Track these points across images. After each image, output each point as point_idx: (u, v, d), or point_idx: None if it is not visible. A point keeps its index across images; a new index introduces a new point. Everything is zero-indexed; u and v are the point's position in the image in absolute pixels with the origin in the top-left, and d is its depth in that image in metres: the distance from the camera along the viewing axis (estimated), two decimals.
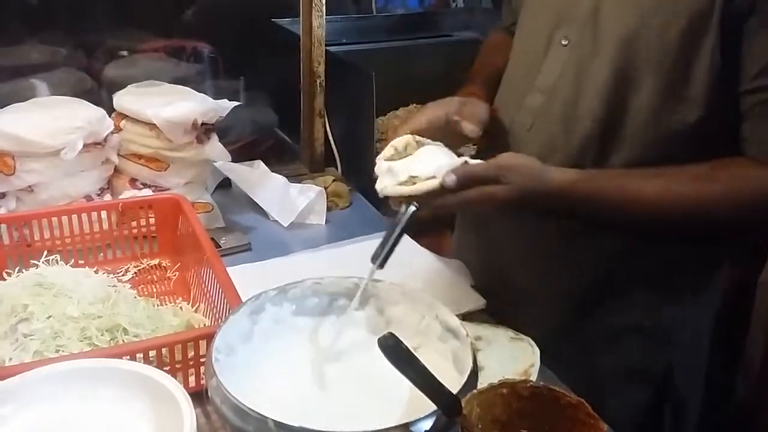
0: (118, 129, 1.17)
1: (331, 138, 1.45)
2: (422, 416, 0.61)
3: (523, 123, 0.98)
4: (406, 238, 1.17)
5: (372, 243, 1.15)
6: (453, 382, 0.64)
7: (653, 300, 0.97)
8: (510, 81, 1.04)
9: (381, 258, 0.79)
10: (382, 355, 0.60)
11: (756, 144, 0.83)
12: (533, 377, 0.82)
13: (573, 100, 0.91)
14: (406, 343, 0.61)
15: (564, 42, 0.92)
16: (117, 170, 1.19)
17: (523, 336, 0.90)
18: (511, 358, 0.85)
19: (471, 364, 0.68)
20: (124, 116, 1.18)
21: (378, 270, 0.79)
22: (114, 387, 0.68)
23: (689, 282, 0.98)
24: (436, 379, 0.61)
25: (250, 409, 0.61)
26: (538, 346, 0.87)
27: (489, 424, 0.64)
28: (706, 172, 0.84)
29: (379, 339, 0.61)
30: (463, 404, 0.61)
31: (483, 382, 0.67)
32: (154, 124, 1.13)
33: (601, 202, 0.86)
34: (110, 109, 1.19)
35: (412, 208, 0.80)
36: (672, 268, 0.96)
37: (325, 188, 1.28)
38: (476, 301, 1.00)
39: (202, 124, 1.16)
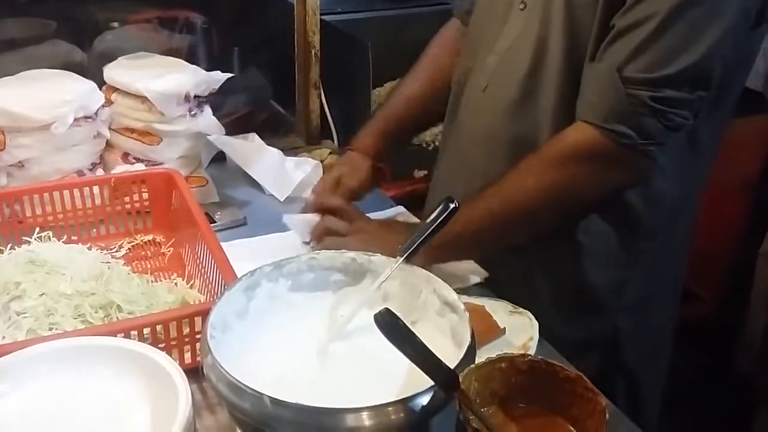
0: (109, 102, 1.15)
1: (326, 110, 1.43)
2: (419, 391, 0.60)
3: (479, 84, 0.99)
4: (405, 213, 1.17)
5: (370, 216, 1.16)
6: (451, 357, 0.63)
7: (591, 267, 0.98)
8: (471, 45, 1.04)
9: (409, 251, 0.77)
10: (379, 330, 0.60)
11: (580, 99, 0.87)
12: (532, 351, 0.82)
13: (528, 63, 0.92)
14: (403, 318, 0.61)
15: (521, 6, 0.94)
16: (109, 145, 1.17)
17: (522, 309, 0.89)
18: (510, 331, 0.84)
19: (469, 339, 0.67)
20: (115, 89, 1.15)
21: (404, 263, 0.77)
22: (108, 365, 0.67)
23: (615, 250, 0.97)
24: (433, 354, 0.60)
25: (245, 385, 0.61)
26: (537, 320, 0.87)
27: (487, 398, 0.64)
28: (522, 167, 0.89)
29: (375, 315, 0.60)
30: (461, 379, 0.60)
31: (481, 357, 0.66)
32: (146, 97, 1.11)
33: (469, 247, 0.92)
34: (101, 82, 1.17)
35: (452, 205, 0.79)
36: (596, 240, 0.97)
37: (322, 161, 1.27)
38: (476, 275, 0.99)
39: (195, 96, 1.14)
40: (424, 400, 0.60)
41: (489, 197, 0.90)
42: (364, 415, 0.59)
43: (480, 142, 1.00)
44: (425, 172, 1.63)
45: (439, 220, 0.80)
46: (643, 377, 1.04)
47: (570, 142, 0.87)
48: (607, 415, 0.58)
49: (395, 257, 0.77)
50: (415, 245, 0.79)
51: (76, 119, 1.07)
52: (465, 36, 1.09)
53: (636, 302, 1.00)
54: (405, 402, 0.60)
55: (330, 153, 1.34)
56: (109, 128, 1.15)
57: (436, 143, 1.75)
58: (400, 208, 1.20)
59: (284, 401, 0.59)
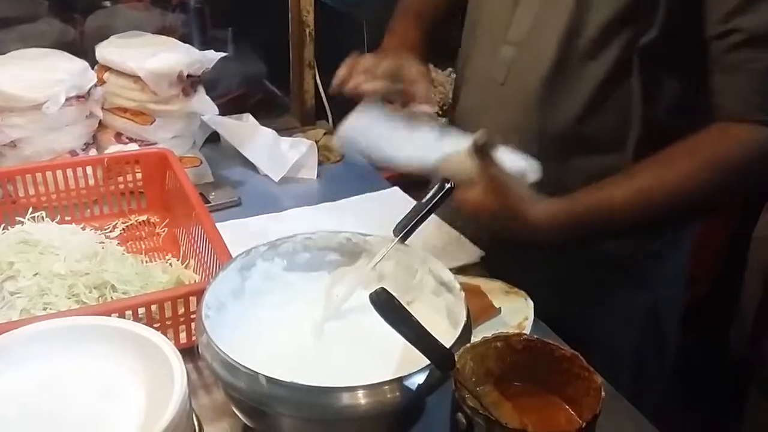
0: (101, 82, 1.14)
1: (321, 90, 1.42)
2: (415, 370, 0.61)
3: (494, 78, 0.95)
4: (400, 194, 1.17)
5: (364, 198, 1.16)
6: (446, 336, 0.63)
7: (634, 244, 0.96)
8: (482, 33, 0.99)
9: (405, 232, 0.77)
10: (374, 309, 0.59)
11: (729, 99, 0.80)
12: (527, 330, 0.82)
13: (554, 52, 0.87)
14: (399, 298, 0.60)
15: None
16: (102, 124, 1.16)
17: (518, 289, 0.89)
18: (506, 311, 0.84)
19: (465, 318, 0.67)
20: (108, 68, 1.14)
21: (399, 243, 0.77)
22: (103, 345, 0.66)
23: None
24: (428, 333, 0.60)
25: (240, 365, 0.61)
26: (533, 299, 0.87)
27: (482, 377, 0.64)
28: (686, 159, 0.80)
29: (370, 294, 0.60)
30: (456, 358, 0.60)
31: (477, 336, 0.66)
32: (139, 77, 1.10)
33: (596, 224, 0.82)
34: (93, 62, 1.15)
35: (448, 186, 0.78)
36: None
37: (316, 142, 1.26)
38: (472, 254, 0.99)
39: (188, 76, 1.13)
40: (420, 378, 0.61)
41: (650, 193, 0.81)
42: (360, 393, 0.59)
43: (503, 136, 0.94)
44: None
45: (435, 200, 0.80)
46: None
47: (751, 145, 0.79)
48: (602, 394, 0.58)
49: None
50: (410, 226, 0.79)
51: (68, 99, 1.06)
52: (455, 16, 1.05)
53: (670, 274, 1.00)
54: (401, 381, 0.60)
55: (325, 133, 1.33)
56: (102, 108, 1.14)
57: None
58: (396, 189, 1.20)
59: (280, 380, 0.59)
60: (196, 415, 0.67)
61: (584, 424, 0.57)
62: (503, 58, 0.93)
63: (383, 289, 0.60)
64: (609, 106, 0.88)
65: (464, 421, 0.57)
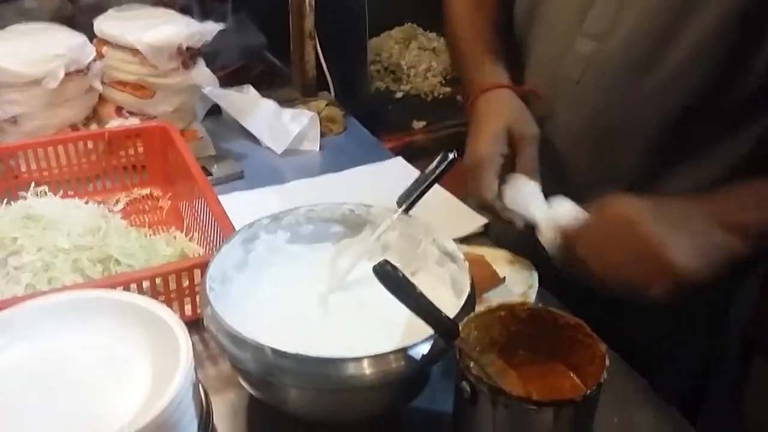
0: (100, 56, 1.12)
1: (322, 60, 1.40)
2: (419, 341, 0.61)
3: (568, 75, 0.84)
4: (403, 164, 1.16)
5: (367, 169, 1.15)
6: (451, 306, 0.63)
7: None
8: (545, 19, 0.87)
9: (408, 202, 0.76)
10: (378, 281, 0.59)
11: None
12: (531, 299, 0.82)
13: (634, 45, 0.77)
14: (402, 268, 0.60)
15: None
16: (102, 99, 1.15)
17: (523, 259, 0.89)
18: (510, 280, 0.84)
19: (469, 288, 0.67)
20: (106, 42, 1.13)
21: (402, 214, 0.76)
22: (108, 318, 0.67)
23: None
24: (432, 303, 0.60)
25: (246, 337, 0.61)
26: (537, 269, 0.86)
27: (487, 346, 0.64)
28: None
29: (374, 267, 0.60)
30: (460, 328, 0.60)
31: (481, 306, 0.66)
32: (138, 50, 1.08)
33: None
34: (91, 36, 1.14)
35: (451, 156, 0.77)
36: None
37: (319, 113, 1.25)
38: (476, 224, 0.99)
39: (188, 48, 1.11)
40: (424, 348, 0.61)
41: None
42: (365, 363, 0.59)
43: (576, 138, 0.86)
44: (424, 123, 1.61)
45: (438, 171, 0.79)
46: None
47: None
48: (607, 362, 0.58)
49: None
50: (414, 196, 0.78)
51: (67, 73, 1.05)
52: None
53: None
54: (405, 351, 0.60)
55: (327, 104, 1.32)
56: (102, 82, 1.13)
57: (435, 94, 1.73)
58: (399, 159, 1.19)
59: (285, 351, 0.60)
60: (203, 387, 0.68)
61: (589, 391, 0.57)
62: (578, 53, 0.82)
63: (386, 261, 0.60)
64: (710, 108, 0.77)
65: (468, 389, 0.57)
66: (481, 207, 0.83)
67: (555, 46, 0.86)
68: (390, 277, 0.59)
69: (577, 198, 0.77)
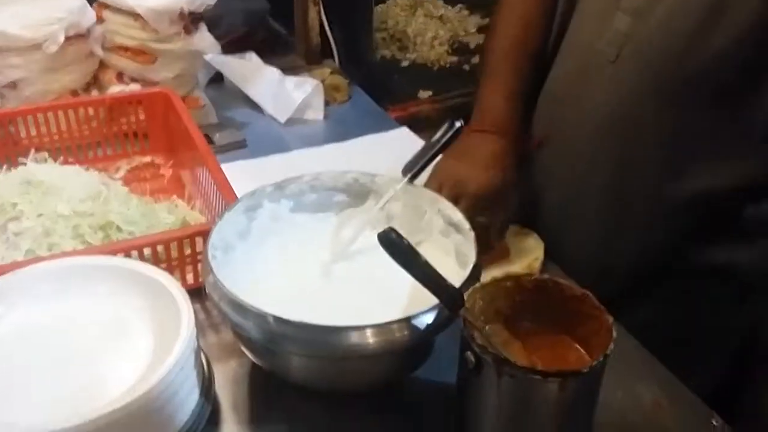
0: (100, 20, 1.10)
1: (327, 27, 1.38)
2: (424, 310, 0.60)
3: (606, 53, 0.80)
4: (409, 134, 1.15)
5: (372, 139, 1.14)
6: (455, 277, 0.62)
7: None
8: (590, 3, 0.84)
9: (414, 171, 0.75)
10: (383, 250, 0.58)
11: None
12: (537, 271, 0.81)
13: (674, 24, 0.74)
14: (407, 238, 0.59)
15: None
16: (102, 64, 1.13)
17: (529, 230, 0.88)
18: (516, 251, 0.83)
19: (474, 258, 0.66)
20: (106, 6, 1.10)
21: (407, 183, 0.75)
22: (109, 285, 0.66)
23: None
24: (437, 272, 0.59)
25: (248, 304, 0.60)
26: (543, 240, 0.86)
27: (492, 316, 0.63)
28: None
29: (379, 234, 0.59)
30: (465, 297, 0.59)
31: (486, 277, 0.65)
32: (139, 14, 1.06)
33: None
34: None
35: (458, 124, 0.76)
36: None
37: (323, 81, 1.23)
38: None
39: (190, 13, 1.09)
40: (429, 318, 0.60)
41: None
42: (368, 332, 0.59)
43: (601, 125, 0.83)
44: (430, 93, 1.59)
45: (444, 140, 0.78)
46: None
47: None
48: (614, 333, 0.57)
49: None
50: (419, 165, 0.77)
51: (67, 38, 1.03)
52: None
53: None
54: (409, 320, 0.59)
55: (331, 72, 1.29)
56: (102, 47, 1.11)
57: (442, 63, 1.70)
58: (404, 129, 1.17)
59: (288, 319, 0.59)
60: (205, 354, 0.68)
61: (595, 363, 0.56)
62: (615, 30, 0.78)
63: (392, 229, 0.59)
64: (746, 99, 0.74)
65: (473, 359, 0.57)
66: None
67: (592, 22, 0.83)
68: (395, 244, 0.58)
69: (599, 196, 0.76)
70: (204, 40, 1.13)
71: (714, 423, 0.68)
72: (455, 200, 0.76)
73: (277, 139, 1.15)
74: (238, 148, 1.11)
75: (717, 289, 0.84)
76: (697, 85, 0.76)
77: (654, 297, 0.86)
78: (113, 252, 0.71)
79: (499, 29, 0.93)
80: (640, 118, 0.80)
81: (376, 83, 1.42)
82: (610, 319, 0.59)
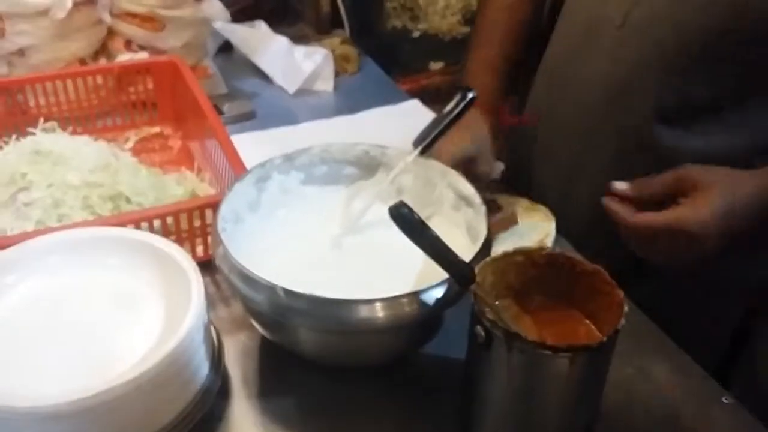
0: None
1: None
2: (434, 284, 0.60)
3: (610, 17, 0.78)
4: (420, 107, 1.13)
5: (383, 111, 1.12)
6: (466, 251, 0.62)
7: None
8: None
9: (425, 144, 0.74)
10: (393, 224, 0.58)
11: None
12: (549, 246, 0.81)
13: None
14: (418, 212, 0.59)
15: None
16: (111, 32, 1.12)
17: (540, 205, 0.87)
18: (527, 226, 0.83)
19: (485, 232, 0.66)
20: None
21: (418, 155, 0.74)
22: (120, 256, 0.66)
23: None
24: (448, 247, 0.58)
25: (258, 277, 0.60)
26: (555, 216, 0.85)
27: (502, 291, 0.63)
28: None
29: (390, 208, 0.58)
30: (476, 272, 0.59)
31: (497, 252, 0.64)
32: None
33: None
34: None
35: (470, 95, 0.74)
36: None
37: (332, 51, 1.21)
38: (493, 169, 0.96)
39: None
40: (439, 292, 0.60)
41: None
42: (378, 306, 0.59)
43: (603, 96, 0.81)
44: (441, 64, 1.57)
45: (456, 111, 0.77)
46: None
47: None
48: (625, 308, 0.57)
49: None
50: (431, 137, 0.76)
51: (75, 4, 1.02)
52: None
53: None
54: (419, 294, 0.59)
55: (341, 42, 1.28)
56: (111, 14, 1.10)
57: (453, 34, 1.67)
58: (416, 102, 1.16)
59: (298, 292, 0.59)
60: (215, 327, 0.68)
61: (605, 338, 0.56)
62: None
63: (402, 203, 0.58)
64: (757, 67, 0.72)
65: (483, 334, 0.56)
66: None
67: None
68: (405, 219, 0.58)
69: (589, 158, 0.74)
70: (213, 6, 1.12)
71: (724, 400, 0.67)
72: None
73: (286, 110, 1.14)
74: (248, 119, 1.10)
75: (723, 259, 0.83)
76: (700, 55, 0.75)
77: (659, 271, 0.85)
78: (123, 223, 0.71)
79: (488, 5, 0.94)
80: (642, 88, 0.79)
81: (387, 54, 1.40)
82: (621, 294, 0.59)
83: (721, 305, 0.89)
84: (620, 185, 0.71)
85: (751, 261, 0.84)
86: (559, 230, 0.84)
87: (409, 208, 0.58)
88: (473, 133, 0.84)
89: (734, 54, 0.74)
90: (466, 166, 0.79)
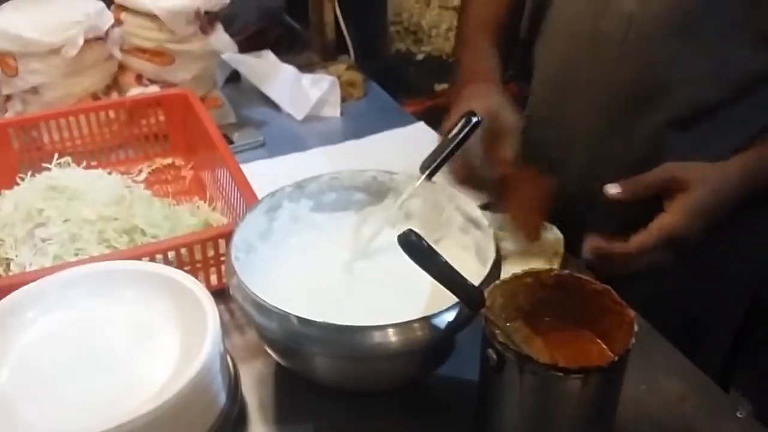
0: (118, 22, 1.12)
1: (342, 22, 1.38)
2: (445, 308, 0.60)
3: (611, 35, 0.80)
4: (425, 129, 1.14)
5: (389, 135, 1.14)
6: (475, 274, 0.63)
7: None
8: None
9: (431, 168, 0.75)
10: (402, 251, 0.59)
11: None
12: (557, 265, 0.81)
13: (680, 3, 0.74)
14: (426, 236, 0.60)
15: None
16: (122, 67, 1.14)
17: (547, 224, 0.87)
18: (535, 247, 0.83)
19: (494, 255, 0.66)
20: (124, 8, 1.12)
21: (426, 180, 0.75)
22: (136, 289, 0.68)
23: None
24: (457, 272, 0.59)
25: (272, 305, 0.61)
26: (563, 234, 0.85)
27: (513, 313, 0.63)
28: None
29: (398, 236, 0.59)
30: (485, 295, 0.60)
31: (506, 273, 0.65)
32: (156, 15, 1.07)
33: None
34: (109, 2, 1.13)
35: (475, 120, 0.75)
36: None
37: (338, 77, 1.23)
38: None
39: (206, 12, 1.10)
40: (450, 316, 0.61)
41: None
42: (390, 331, 0.59)
43: (622, 108, 0.84)
44: (445, 85, 1.59)
45: (461, 135, 0.77)
46: None
47: None
48: (635, 327, 0.57)
49: None
50: (437, 162, 0.77)
51: (86, 41, 1.04)
52: None
53: None
54: (430, 319, 0.60)
55: (347, 68, 1.30)
56: (121, 49, 1.12)
57: None
58: (421, 124, 1.17)
59: (311, 320, 0.60)
60: (230, 355, 0.69)
61: (616, 358, 0.56)
62: (621, 11, 0.78)
63: (411, 231, 0.59)
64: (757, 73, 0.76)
65: (495, 357, 0.57)
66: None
67: (593, 3, 0.82)
68: (414, 246, 0.59)
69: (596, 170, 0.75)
70: (221, 39, 1.14)
71: (739, 415, 0.67)
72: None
73: (295, 137, 1.15)
74: (257, 147, 1.12)
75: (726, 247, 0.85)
76: (703, 61, 0.77)
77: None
78: (138, 256, 0.72)
79: (472, 4, 0.96)
80: (652, 94, 0.80)
81: (392, 77, 1.42)
82: (632, 313, 0.59)
83: (722, 304, 0.90)
84: (613, 189, 0.74)
85: (750, 256, 0.86)
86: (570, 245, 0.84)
87: (418, 236, 0.59)
88: (490, 92, 0.84)
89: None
90: (492, 120, 0.79)
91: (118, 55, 1.11)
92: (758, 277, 0.92)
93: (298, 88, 1.20)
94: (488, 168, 0.78)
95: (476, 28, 0.95)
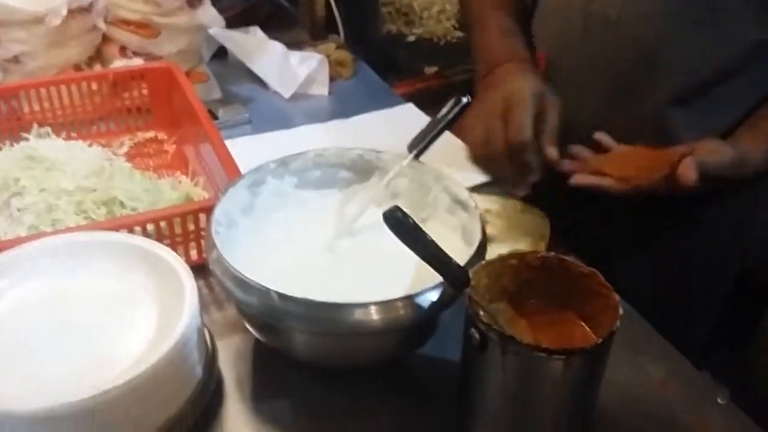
0: None
1: (332, 1, 1.36)
2: (428, 287, 0.60)
3: (606, 14, 0.80)
4: (415, 111, 1.13)
5: (378, 115, 1.12)
6: (461, 255, 0.62)
7: None
8: None
9: (419, 148, 0.74)
10: (388, 228, 0.58)
11: None
12: (542, 249, 0.81)
13: None
14: (412, 216, 0.59)
15: None
16: (105, 38, 1.12)
17: (534, 208, 0.87)
18: (521, 230, 0.83)
19: (480, 236, 0.66)
20: None
21: (413, 160, 0.75)
22: (112, 261, 0.66)
23: None
24: (442, 250, 0.58)
25: (252, 280, 0.60)
26: (550, 217, 0.85)
27: (497, 294, 0.63)
28: None
29: (384, 212, 0.58)
30: (470, 275, 0.59)
31: (492, 255, 0.64)
32: None
33: None
34: None
35: (464, 101, 0.75)
36: None
37: (328, 56, 1.21)
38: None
39: None
40: (433, 295, 0.60)
41: None
42: (372, 309, 0.59)
43: (616, 89, 0.84)
44: (436, 68, 1.57)
45: (450, 116, 0.77)
46: None
47: None
48: (620, 311, 0.57)
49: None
50: (425, 142, 0.76)
51: (70, 11, 1.02)
52: None
53: None
54: (413, 297, 0.59)
55: (336, 47, 1.28)
56: (105, 21, 1.10)
57: (448, 38, 1.68)
58: (410, 106, 1.16)
59: (292, 296, 0.59)
60: (209, 331, 0.67)
61: (600, 340, 0.56)
62: None
63: (397, 207, 0.58)
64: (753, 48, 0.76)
65: (478, 337, 0.56)
66: (507, 151, 0.81)
67: None
68: (400, 223, 0.58)
69: None
70: (208, 14, 1.12)
71: (719, 401, 0.67)
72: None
73: (282, 114, 1.14)
74: (242, 124, 1.10)
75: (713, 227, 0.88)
76: (701, 38, 0.77)
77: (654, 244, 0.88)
78: (116, 228, 0.70)
79: None
80: (650, 71, 0.81)
81: (382, 58, 1.40)
82: (617, 297, 0.59)
83: (707, 282, 0.91)
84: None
85: (737, 232, 0.87)
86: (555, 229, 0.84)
87: (404, 213, 0.58)
88: (526, 72, 0.84)
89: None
90: (539, 99, 0.80)
91: (102, 26, 1.09)
92: (738, 261, 0.93)
93: (285, 66, 1.18)
94: (535, 147, 0.79)
95: (492, 5, 0.94)
